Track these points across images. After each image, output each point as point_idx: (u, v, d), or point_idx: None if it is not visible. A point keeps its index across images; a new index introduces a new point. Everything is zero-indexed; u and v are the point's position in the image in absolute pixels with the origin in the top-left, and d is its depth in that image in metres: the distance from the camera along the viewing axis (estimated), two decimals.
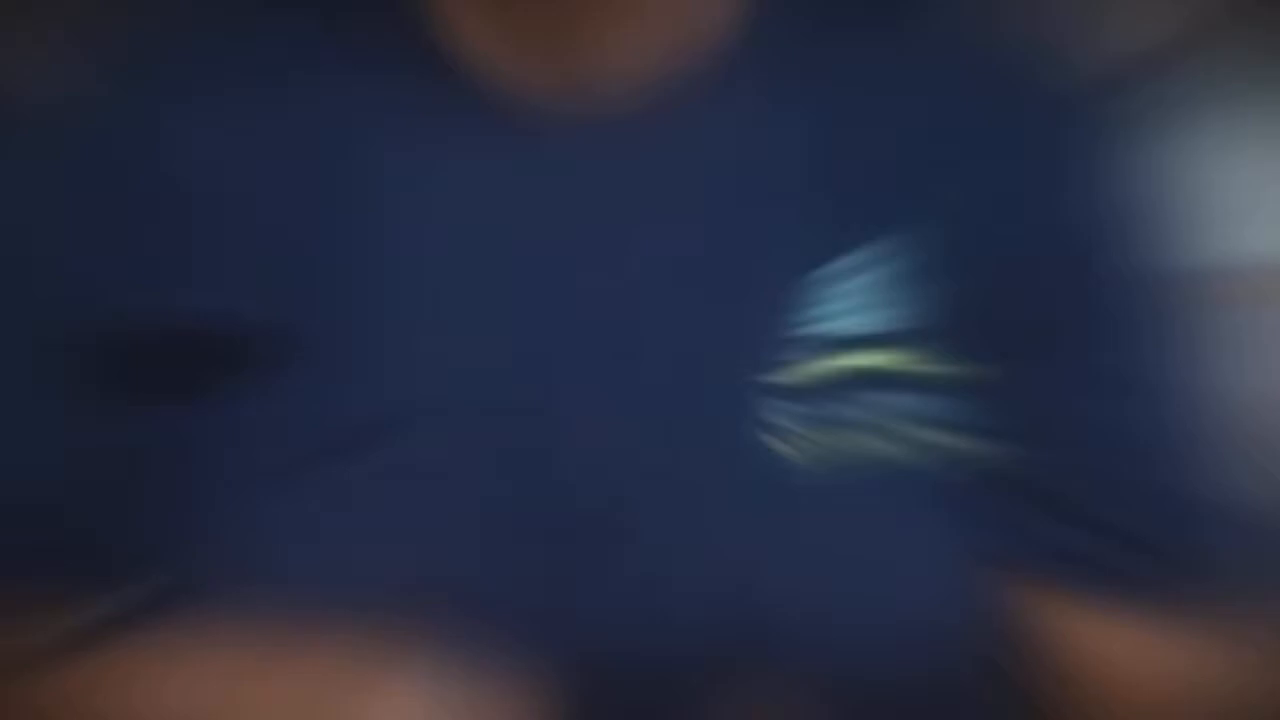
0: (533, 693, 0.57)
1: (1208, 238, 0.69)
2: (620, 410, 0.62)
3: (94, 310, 0.63)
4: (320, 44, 0.64)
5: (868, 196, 0.64)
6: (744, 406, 0.62)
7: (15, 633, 0.60)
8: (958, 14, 0.66)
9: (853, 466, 0.62)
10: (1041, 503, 0.64)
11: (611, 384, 0.62)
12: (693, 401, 0.62)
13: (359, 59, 0.64)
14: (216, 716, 0.56)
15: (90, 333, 0.63)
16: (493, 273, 0.63)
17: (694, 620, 0.61)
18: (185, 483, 0.61)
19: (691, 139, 0.64)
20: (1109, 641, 0.65)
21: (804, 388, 0.63)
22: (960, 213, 0.64)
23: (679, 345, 0.62)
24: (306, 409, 0.62)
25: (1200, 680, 0.62)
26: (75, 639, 0.59)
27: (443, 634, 0.57)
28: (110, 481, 0.62)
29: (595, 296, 0.62)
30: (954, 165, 0.65)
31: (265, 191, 0.62)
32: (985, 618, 0.64)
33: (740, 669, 0.61)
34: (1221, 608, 0.63)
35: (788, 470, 0.62)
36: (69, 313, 0.63)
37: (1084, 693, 0.65)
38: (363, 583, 0.59)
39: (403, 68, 0.64)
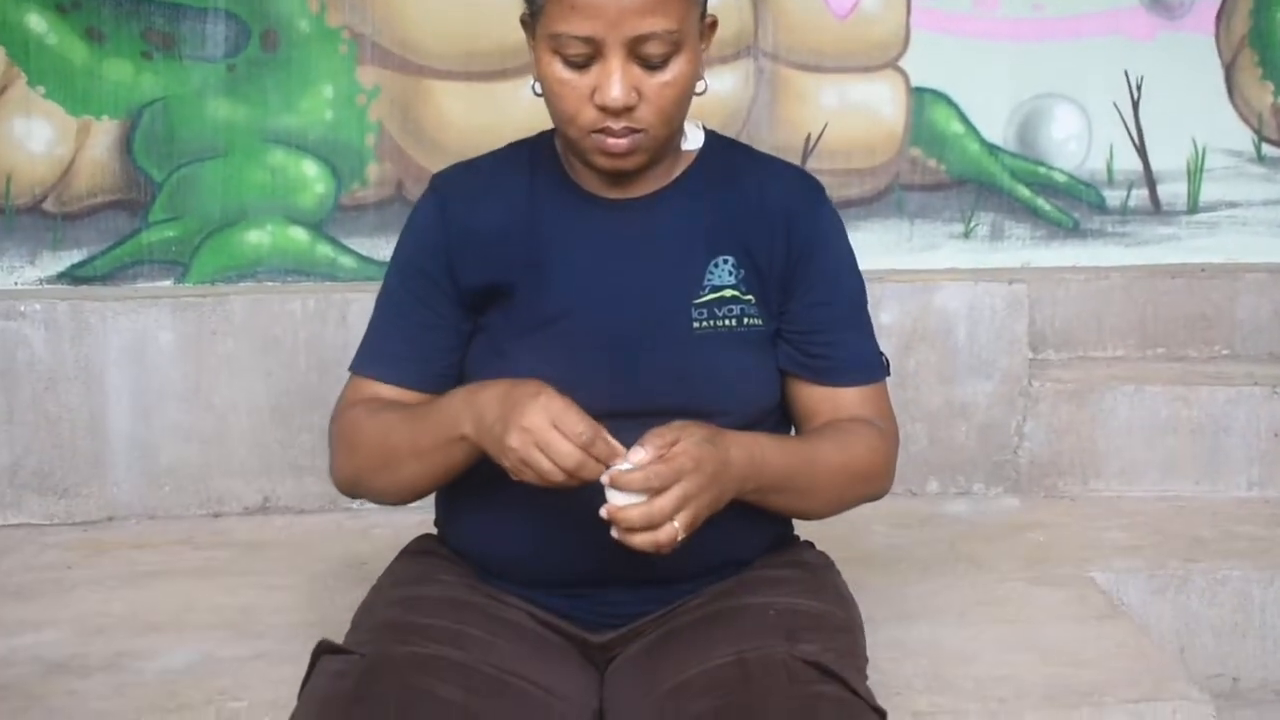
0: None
1: None
2: (635, 311, 1.65)
3: (461, 285, 1.68)
4: (536, 185, 1.70)
5: (722, 239, 1.68)
6: (683, 312, 1.66)
7: None
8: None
9: (722, 331, 1.66)
10: (788, 342, 1.69)
11: (633, 301, 1.65)
12: (663, 310, 1.66)
13: (548, 188, 1.68)
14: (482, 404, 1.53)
15: (464, 289, 1.67)
16: (590, 262, 1.67)
17: (663, 387, 1.63)
18: (489, 337, 1.67)
19: (661, 211, 1.69)
20: (805, 392, 1.70)
21: (704, 304, 1.66)
22: (752, 247, 1.68)
23: (659, 290, 1.66)
24: (527, 312, 1.66)
25: None
26: None
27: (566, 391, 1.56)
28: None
29: (627, 270, 1.66)
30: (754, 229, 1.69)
31: (516, 235, 1.67)
32: (774, 385, 1.69)
33: (679, 413, 1.58)
34: None
35: (699, 333, 1.66)
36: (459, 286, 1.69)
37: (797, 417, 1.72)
38: (548, 372, 1.60)
39: (564, 189, 1.68)
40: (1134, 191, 3.35)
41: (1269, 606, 2.41)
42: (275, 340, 2.85)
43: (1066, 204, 3.34)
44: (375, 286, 1.77)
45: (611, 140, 1.57)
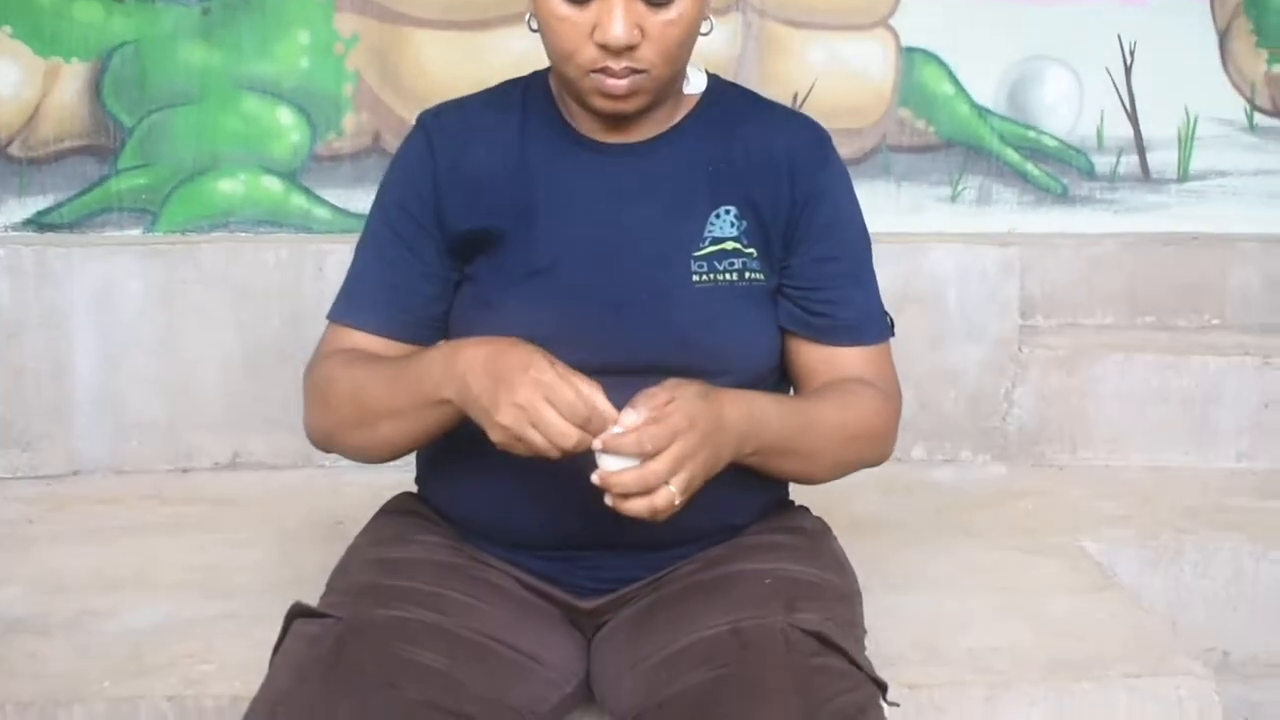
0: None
1: None
2: (631, 262, 1.56)
3: (448, 229, 1.58)
4: (528, 128, 1.60)
5: (724, 188, 1.59)
6: (682, 264, 1.57)
7: None
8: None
9: (723, 285, 1.57)
10: (789, 299, 1.60)
11: (629, 252, 1.56)
12: (661, 262, 1.57)
13: (541, 130, 1.59)
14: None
15: (451, 233, 1.58)
16: (584, 210, 1.57)
17: (659, 343, 1.55)
18: (476, 287, 1.57)
19: (660, 157, 1.60)
20: (804, 351, 1.62)
21: (704, 256, 1.57)
22: (755, 198, 1.59)
23: (657, 241, 1.57)
24: (516, 261, 1.57)
25: None
26: None
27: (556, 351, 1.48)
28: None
29: (623, 218, 1.57)
30: (758, 179, 1.60)
31: (506, 179, 1.58)
32: (775, 343, 1.60)
33: (675, 371, 1.51)
34: None
35: (699, 287, 1.57)
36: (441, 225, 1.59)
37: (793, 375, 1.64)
38: (538, 326, 1.52)
39: (557, 132, 1.59)
40: (1124, 158, 3.28)
41: (1261, 580, 2.36)
42: (248, 291, 2.77)
43: (1056, 169, 3.26)
44: (352, 239, 1.69)
45: (611, 81, 1.48)
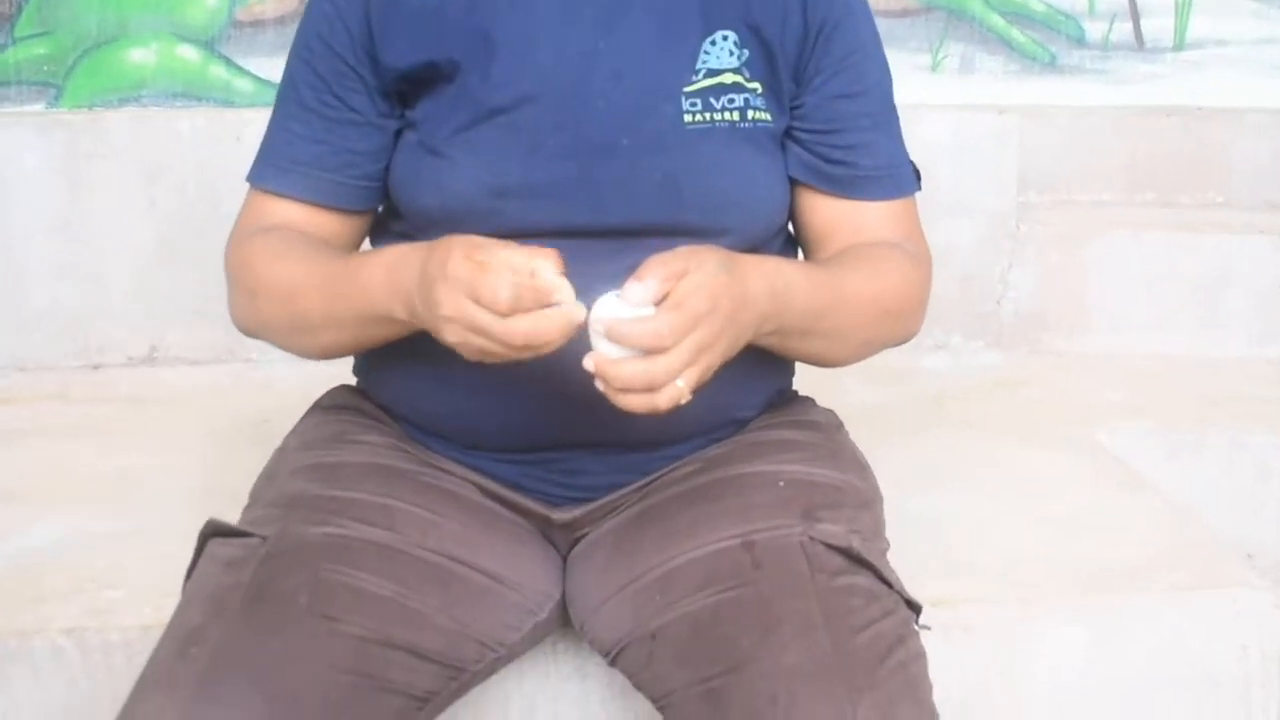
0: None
1: None
2: (611, 98, 1.27)
3: (384, 68, 1.30)
4: None
5: (722, 9, 1.30)
6: (672, 101, 1.29)
7: None
8: None
9: (721, 126, 1.29)
10: (801, 144, 1.33)
11: (608, 86, 1.27)
12: (645, 98, 1.28)
13: None
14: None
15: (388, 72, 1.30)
16: (553, 36, 1.28)
17: (646, 197, 1.27)
18: (422, 135, 1.29)
19: None
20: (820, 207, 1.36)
21: (699, 91, 1.29)
22: (759, 22, 1.30)
23: (642, 73, 1.28)
24: (469, 100, 1.28)
25: None
26: None
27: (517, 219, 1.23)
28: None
29: (601, 46, 1.28)
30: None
31: (456, 1, 1.28)
32: (784, 197, 1.34)
33: (665, 231, 1.25)
34: None
35: (692, 129, 1.29)
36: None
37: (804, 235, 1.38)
38: (497, 179, 1.25)
39: None
40: (1116, 25, 3.02)
41: None
42: (160, 166, 2.48)
43: (1043, 36, 3.00)
44: None
45: None
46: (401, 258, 1.18)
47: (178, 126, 2.49)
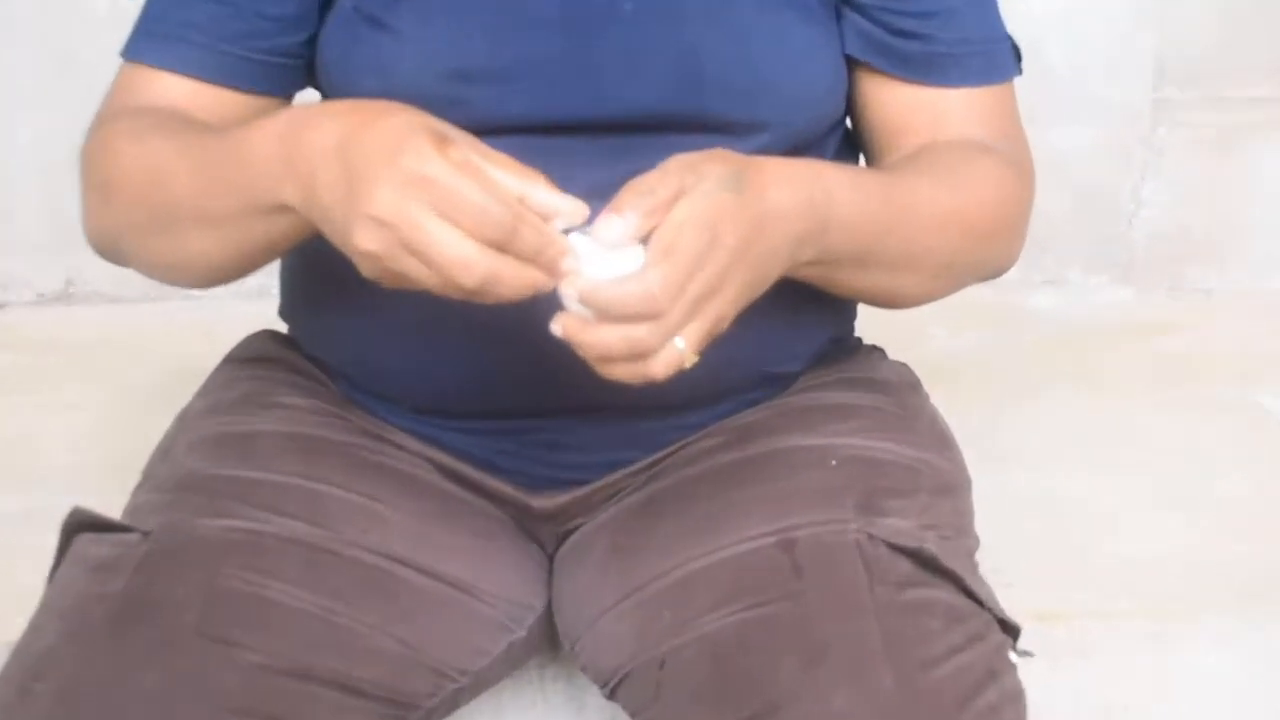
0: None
1: None
2: None
3: None
4: None
5: None
6: None
7: None
8: None
9: None
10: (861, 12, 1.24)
11: None
12: None
13: None
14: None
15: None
16: None
17: (656, 81, 1.18)
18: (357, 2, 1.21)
19: None
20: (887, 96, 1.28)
21: None
22: None
23: None
24: None
25: None
26: None
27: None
28: None
29: None
30: None
31: None
32: (838, 81, 1.26)
33: (682, 124, 1.16)
34: None
35: None
36: None
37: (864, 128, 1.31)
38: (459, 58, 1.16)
39: None
40: None
41: None
42: (70, 54, 2.46)
43: None
44: None
45: None
46: (305, 119, 1.06)
47: (93, 4, 2.46)
